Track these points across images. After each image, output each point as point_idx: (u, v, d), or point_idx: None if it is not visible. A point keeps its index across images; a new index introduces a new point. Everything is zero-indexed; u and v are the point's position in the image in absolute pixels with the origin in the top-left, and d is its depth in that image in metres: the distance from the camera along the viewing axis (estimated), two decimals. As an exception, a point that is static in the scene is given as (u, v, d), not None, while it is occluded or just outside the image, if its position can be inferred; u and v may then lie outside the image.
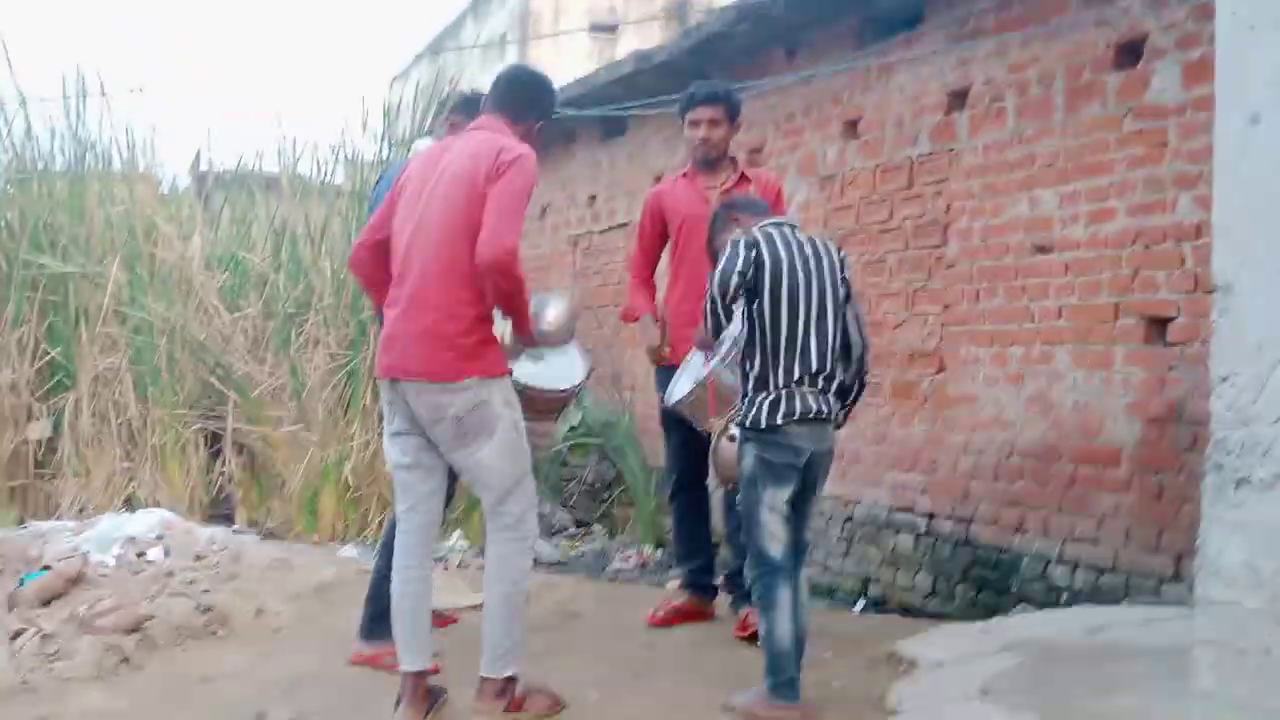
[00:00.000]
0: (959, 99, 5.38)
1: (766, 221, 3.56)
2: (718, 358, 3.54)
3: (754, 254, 3.36)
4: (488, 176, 3.17)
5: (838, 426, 3.54)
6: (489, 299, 3.28)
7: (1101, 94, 4.68)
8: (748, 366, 3.43)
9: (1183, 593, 4.13)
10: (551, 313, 3.69)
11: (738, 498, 3.58)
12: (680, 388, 4.05)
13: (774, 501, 3.37)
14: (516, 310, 3.32)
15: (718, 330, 3.41)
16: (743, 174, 4.46)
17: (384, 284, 3.37)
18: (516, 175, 3.18)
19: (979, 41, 5.25)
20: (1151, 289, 4.45)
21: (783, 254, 3.40)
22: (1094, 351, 4.66)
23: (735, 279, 3.32)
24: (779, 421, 3.35)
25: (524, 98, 3.47)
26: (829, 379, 3.44)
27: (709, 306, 3.39)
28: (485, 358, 3.25)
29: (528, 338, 3.46)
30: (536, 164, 3.29)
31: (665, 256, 4.60)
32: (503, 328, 3.46)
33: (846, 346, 3.57)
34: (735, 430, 3.58)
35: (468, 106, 3.91)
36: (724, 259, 3.38)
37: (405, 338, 3.24)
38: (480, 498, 3.43)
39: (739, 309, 3.37)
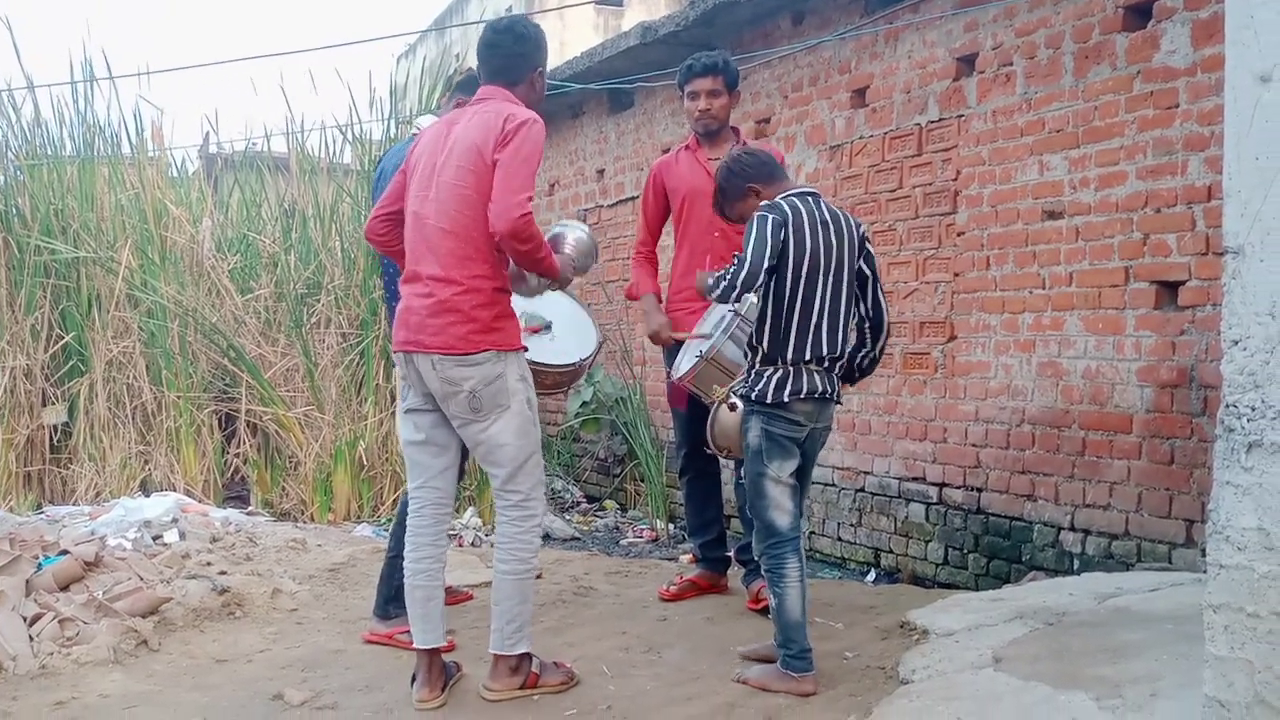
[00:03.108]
0: (967, 64, 5.33)
1: (791, 191, 3.44)
2: (720, 330, 3.51)
3: (783, 235, 3.28)
4: (496, 145, 3.15)
5: (838, 402, 3.52)
6: (511, 262, 3.28)
7: (1111, 56, 4.62)
8: (756, 339, 3.40)
9: (1194, 558, 4.13)
10: (571, 236, 3.65)
11: (743, 471, 3.56)
12: (685, 362, 4.04)
13: (779, 474, 3.36)
14: (541, 264, 3.29)
15: (725, 297, 3.30)
16: (745, 145, 4.42)
17: (403, 251, 3.37)
18: (523, 141, 3.15)
19: (986, 5, 5.19)
20: (1162, 253, 4.41)
21: (808, 234, 3.32)
22: (1105, 317, 4.63)
23: (764, 276, 3.23)
24: (785, 399, 3.34)
25: (509, 58, 3.37)
26: (835, 360, 3.43)
27: (729, 284, 3.24)
28: (502, 331, 3.24)
29: (560, 279, 3.45)
30: (543, 129, 3.25)
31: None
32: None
33: (876, 326, 3.54)
34: (735, 400, 3.56)
35: (469, 86, 3.88)
36: (752, 245, 3.24)
37: (422, 311, 3.23)
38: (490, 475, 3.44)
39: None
